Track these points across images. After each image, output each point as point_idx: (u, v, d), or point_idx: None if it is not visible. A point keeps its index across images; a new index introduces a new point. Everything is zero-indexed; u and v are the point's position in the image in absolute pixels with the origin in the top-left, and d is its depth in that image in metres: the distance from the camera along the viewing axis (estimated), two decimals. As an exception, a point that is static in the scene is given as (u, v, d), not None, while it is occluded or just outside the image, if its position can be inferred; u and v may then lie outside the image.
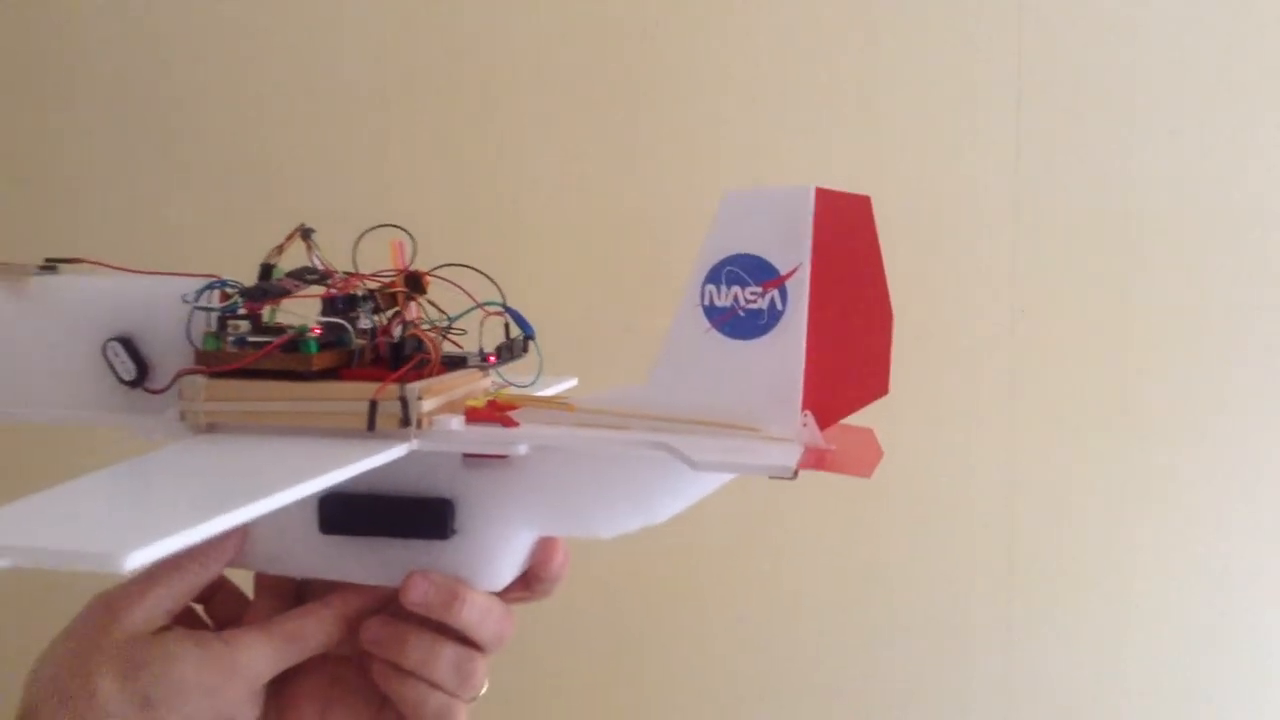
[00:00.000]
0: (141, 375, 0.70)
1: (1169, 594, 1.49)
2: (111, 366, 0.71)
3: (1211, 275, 1.46)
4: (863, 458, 0.66)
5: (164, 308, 0.70)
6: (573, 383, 0.87)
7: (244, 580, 0.75)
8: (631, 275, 1.52)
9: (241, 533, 0.70)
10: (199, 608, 0.74)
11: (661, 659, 1.57)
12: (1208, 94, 1.45)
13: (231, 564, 0.71)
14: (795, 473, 0.58)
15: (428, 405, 0.65)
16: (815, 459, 0.62)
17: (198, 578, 0.68)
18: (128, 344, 0.70)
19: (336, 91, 1.59)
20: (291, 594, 0.74)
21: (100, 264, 0.74)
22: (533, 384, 0.74)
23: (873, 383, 0.67)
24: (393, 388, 0.64)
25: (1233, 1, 1.44)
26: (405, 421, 0.64)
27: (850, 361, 0.66)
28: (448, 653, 0.68)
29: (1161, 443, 1.47)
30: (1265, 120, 1.45)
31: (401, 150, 1.58)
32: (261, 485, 0.54)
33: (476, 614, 0.68)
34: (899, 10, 1.48)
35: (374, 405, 0.64)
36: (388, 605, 0.70)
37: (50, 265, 0.75)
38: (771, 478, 0.59)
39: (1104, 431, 1.48)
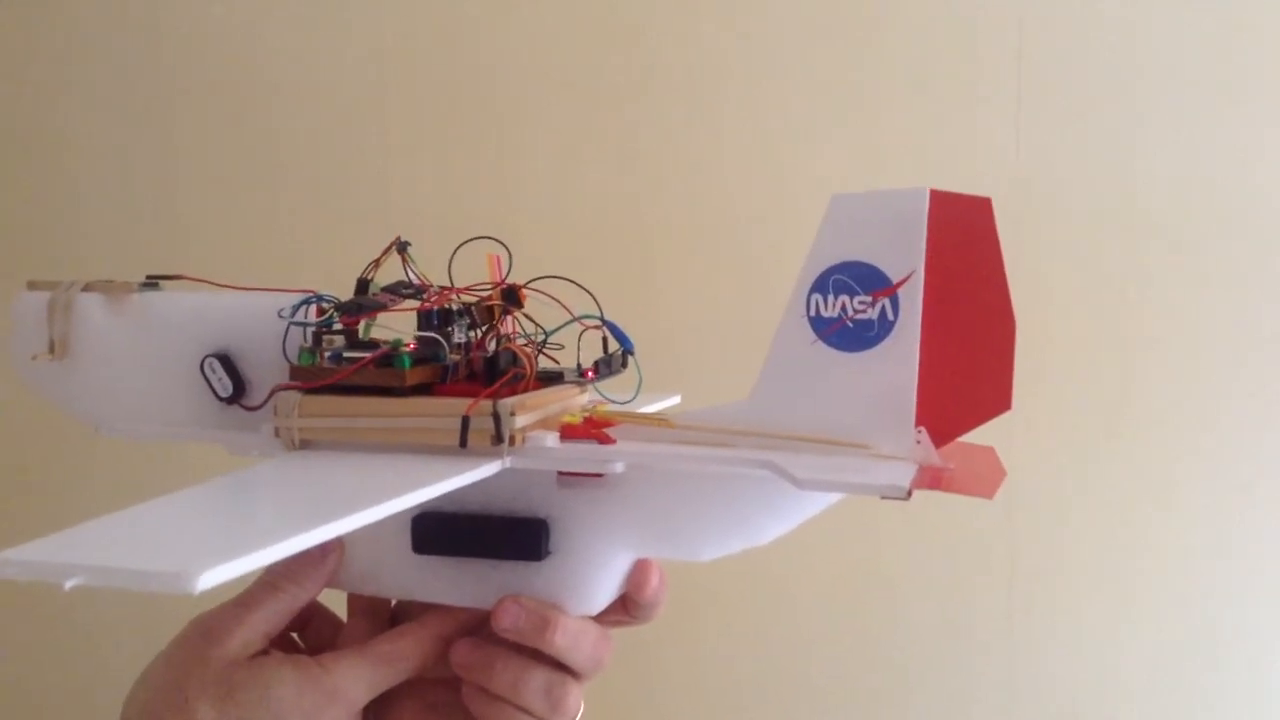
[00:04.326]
0: (238, 392, 0.70)
1: (1169, 594, 1.47)
2: (209, 383, 0.70)
3: (1211, 275, 1.44)
4: (983, 477, 0.62)
5: (260, 324, 0.69)
6: (675, 399, 0.84)
7: (339, 606, 0.74)
8: (630, 277, 1.52)
9: (338, 553, 0.69)
10: (294, 635, 0.73)
11: (659, 658, 1.57)
12: (1208, 94, 1.43)
13: (328, 584, 0.69)
14: (909, 493, 0.55)
15: (521, 421, 0.63)
16: (932, 478, 0.58)
17: (295, 600, 0.67)
18: (225, 360, 0.70)
19: (337, 89, 1.59)
20: (386, 615, 0.73)
21: (200, 280, 0.73)
22: (632, 400, 0.72)
23: (993, 397, 0.64)
24: (485, 403, 0.62)
25: (1233, 1, 1.42)
26: (498, 438, 0.62)
27: (968, 374, 0.63)
28: (538, 678, 0.67)
29: (1162, 442, 1.46)
30: (1266, 120, 1.42)
31: (401, 149, 1.58)
32: (344, 504, 0.52)
33: (569, 639, 0.66)
34: (898, 10, 1.47)
35: (466, 421, 0.62)
36: (483, 626, 0.68)
37: (152, 282, 0.74)
38: (883, 498, 0.55)
39: (1104, 431, 1.47)
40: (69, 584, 0.44)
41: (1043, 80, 1.45)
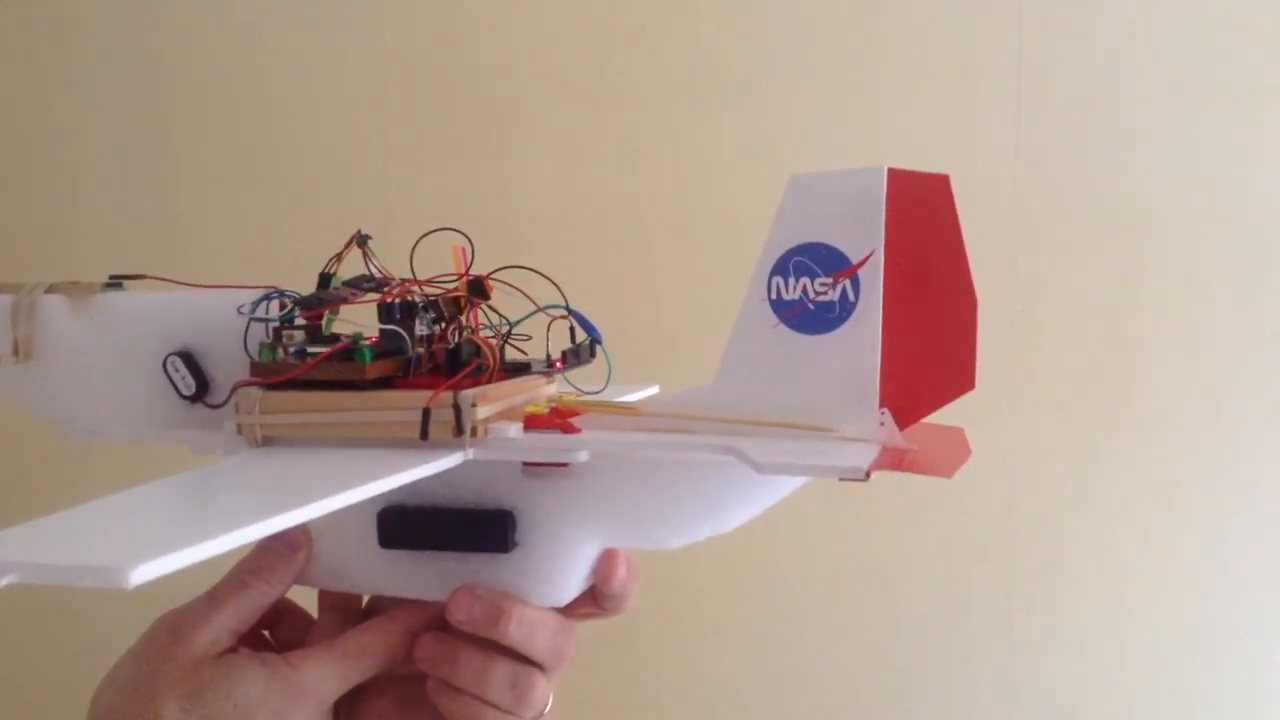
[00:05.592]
0: (201, 390, 0.69)
1: (1169, 594, 1.47)
2: (172, 382, 0.69)
3: (1211, 275, 1.43)
4: (946, 457, 0.61)
5: (222, 321, 0.68)
6: (653, 389, 0.84)
7: (310, 604, 0.74)
8: (627, 276, 1.51)
9: (306, 549, 0.68)
10: (265, 633, 0.73)
11: (658, 657, 1.56)
12: (1208, 94, 1.42)
13: (297, 581, 0.69)
14: (868, 474, 0.54)
15: (483, 412, 0.62)
16: (893, 459, 0.58)
17: (264, 596, 0.66)
18: (188, 359, 0.69)
19: (337, 89, 1.59)
20: (357, 611, 0.73)
21: (163, 279, 0.73)
22: (603, 390, 0.71)
23: (957, 377, 0.63)
24: (446, 395, 0.61)
25: (1233, 1, 1.41)
26: (459, 430, 0.61)
27: (930, 355, 0.62)
28: (501, 670, 0.66)
29: (1162, 442, 1.45)
30: (1266, 120, 1.41)
31: (401, 149, 1.58)
32: (297, 498, 0.52)
33: (525, 630, 0.65)
34: (898, 10, 1.46)
35: (427, 413, 0.61)
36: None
37: (115, 282, 0.74)
38: (842, 480, 0.55)
39: (1104, 431, 1.46)
40: (2, 583, 0.44)
41: (1043, 80, 1.44)
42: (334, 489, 0.53)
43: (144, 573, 0.43)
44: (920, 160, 1.41)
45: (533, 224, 1.52)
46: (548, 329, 0.69)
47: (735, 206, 1.48)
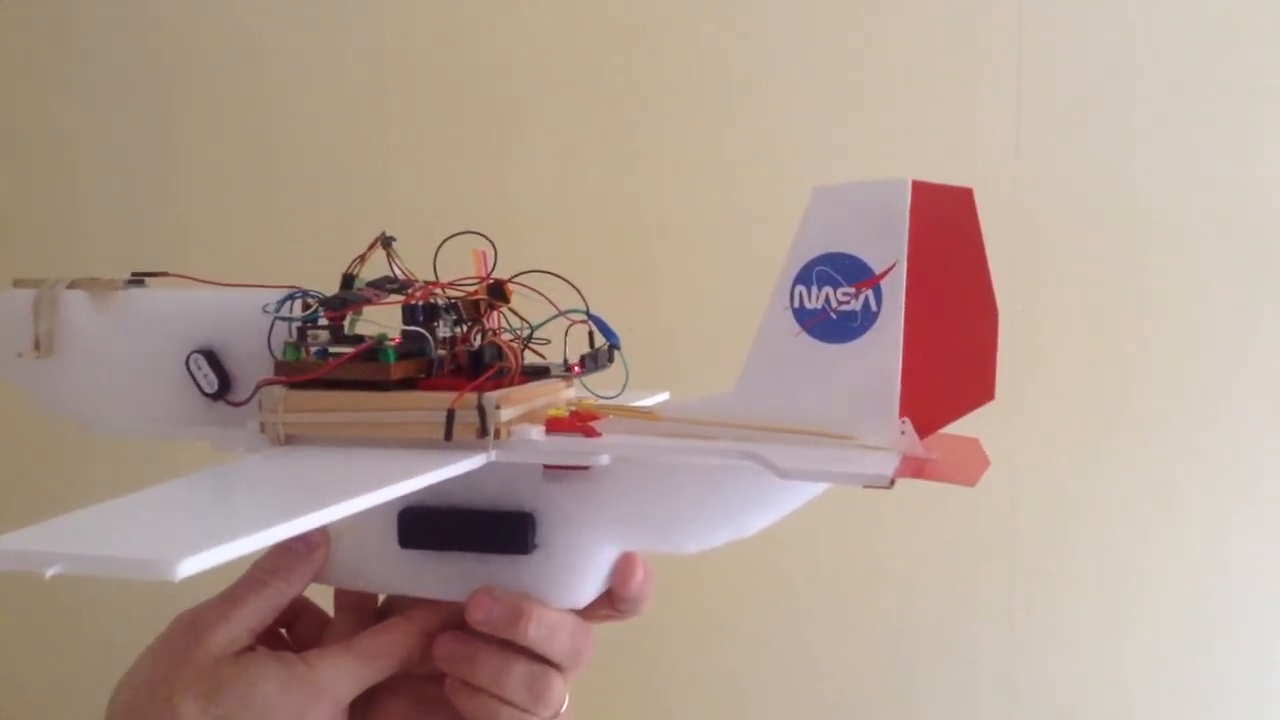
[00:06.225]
0: (224, 388, 0.69)
1: (1169, 594, 1.47)
2: (194, 379, 0.70)
3: (1211, 275, 1.43)
4: (967, 466, 0.62)
5: (245, 319, 0.69)
6: (663, 396, 0.84)
7: (327, 603, 0.74)
8: (631, 277, 1.51)
9: (324, 548, 0.68)
10: (282, 631, 0.73)
11: (660, 656, 1.57)
12: (1208, 94, 1.42)
13: (314, 580, 0.69)
14: (892, 482, 0.55)
15: (506, 415, 0.62)
16: (915, 467, 0.58)
17: (281, 595, 0.67)
18: (210, 356, 0.69)
19: (337, 89, 1.59)
20: (372, 612, 0.73)
21: (185, 277, 0.73)
22: (618, 396, 0.71)
23: (977, 388, 0.63)
24: (470, 397, 0.62)
25: (1233, 1, 1.41)
26: (483, 431, 0.62)
27: (951, 365, 0.63)
28: (519, 669, 0.66)
29: (1162, 442, 1.46)
30: (1266, 119, 1.42)
31: (401, 149, 1.58)
32: (327, 495, 0.52)
33: (544, 631, 0.66)
34: (898, 10, 1.46)
35: (451, 414, 0.62)
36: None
37: (137, 279, 0.74)
38: (866, 487, 0.55)
39: (1104, 431, 1.47)
40: (50, 572, 0.44)
41: (1043, 80, 1.44)
42: (361, 489, 0.54)
43: (191, 565, 0.43)
44: (920, 160, 1.43)
45: (533, 224, 1.52)
46: (565, 333, 0.69)
47: (735, 206, 1.48)
